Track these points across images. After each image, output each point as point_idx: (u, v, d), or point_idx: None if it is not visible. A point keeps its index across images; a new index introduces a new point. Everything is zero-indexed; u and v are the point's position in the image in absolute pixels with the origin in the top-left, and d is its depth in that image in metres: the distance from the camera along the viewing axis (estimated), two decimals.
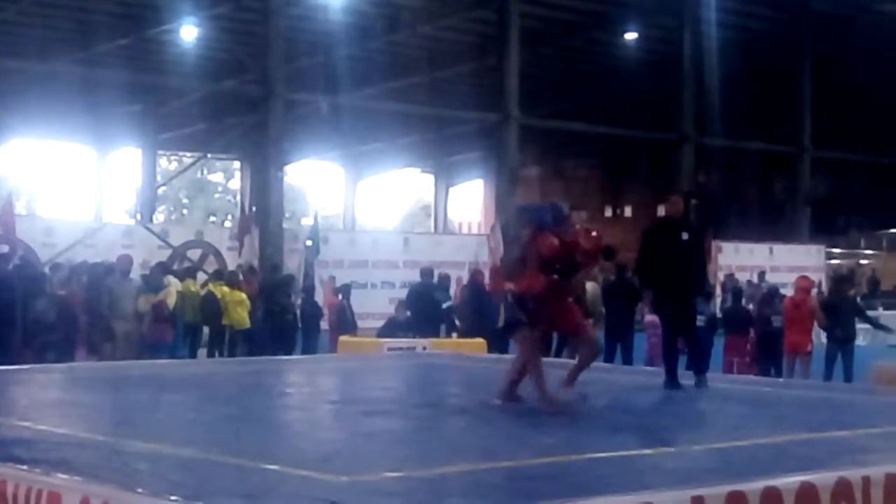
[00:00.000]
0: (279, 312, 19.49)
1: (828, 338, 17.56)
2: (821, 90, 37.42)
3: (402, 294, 21.26)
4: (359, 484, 5.86)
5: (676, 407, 9.78)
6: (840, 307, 17.79)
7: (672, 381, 10.80)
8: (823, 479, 5.79)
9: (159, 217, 53.73)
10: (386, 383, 12.20)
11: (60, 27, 33.97)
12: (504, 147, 31.81)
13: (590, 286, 18.98)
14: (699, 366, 11.32)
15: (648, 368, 15.43)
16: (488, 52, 33.72)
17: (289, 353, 18.60)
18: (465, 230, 54.19)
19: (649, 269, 11.02)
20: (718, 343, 18.40)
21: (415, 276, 22.02)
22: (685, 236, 10.91)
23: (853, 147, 39.66)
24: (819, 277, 31.17)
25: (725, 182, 43.60)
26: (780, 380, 16.17)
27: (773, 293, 19.68)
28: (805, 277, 19.35)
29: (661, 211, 11.52)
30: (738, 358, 18.17)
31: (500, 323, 9.96)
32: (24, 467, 5.94)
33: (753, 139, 37.85)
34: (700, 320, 18.11)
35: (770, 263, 30.74)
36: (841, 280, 19.86)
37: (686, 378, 10.98)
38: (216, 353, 19.03)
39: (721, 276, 27.90)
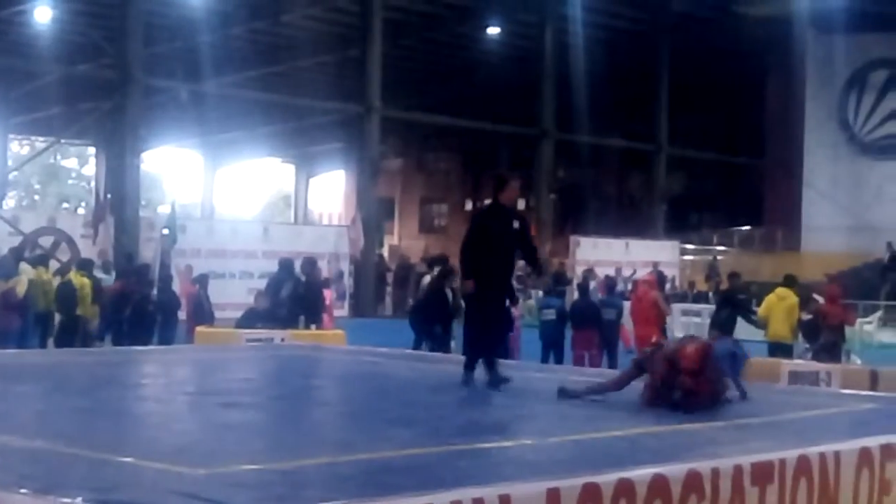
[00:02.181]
0: (139, 301, 19.13)
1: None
2: (678, 90, 38.32)
3: (261, 284, 21.07)
4: (216, 476, 5.79)
5: (536, 401, 9.88)
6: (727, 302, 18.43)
7: (470, 375, 10.30)
8: (674, 470, 5.92)
9: (10, 203, 52.34)
10: (244, 375, 12.07)
11: None
12: (366, 138, 31.81)
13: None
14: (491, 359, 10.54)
15: (511, 362, 15.54)
16: (351, 42, 33.68)
17: (146, 343, 18.26)
18: (325, 221, 54.02)
19: (475, 255, 10.28)
20: (569, 336, 18.75)
21: (274, 267, 21.84)
22: (516, 224, 10.37)
23: (708, 146, 40.68)
24: (673, 272, 31.92)
25: (584, 177, 44.29)
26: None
27: (610, 287, 20.31)
28: (651, 273, 19.91)
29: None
30: (588, 351, 18.50)
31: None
32: None
33: (613, 136, 38.53)
34: (550, 314, 18.61)
35: (627, 258, 31.33)
36: (734, 275, 20.18)
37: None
38: (68, 344, 18.57)
39: (579, 271, 28.32)
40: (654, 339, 12.11)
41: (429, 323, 18.14)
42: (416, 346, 17.68)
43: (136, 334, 18.62)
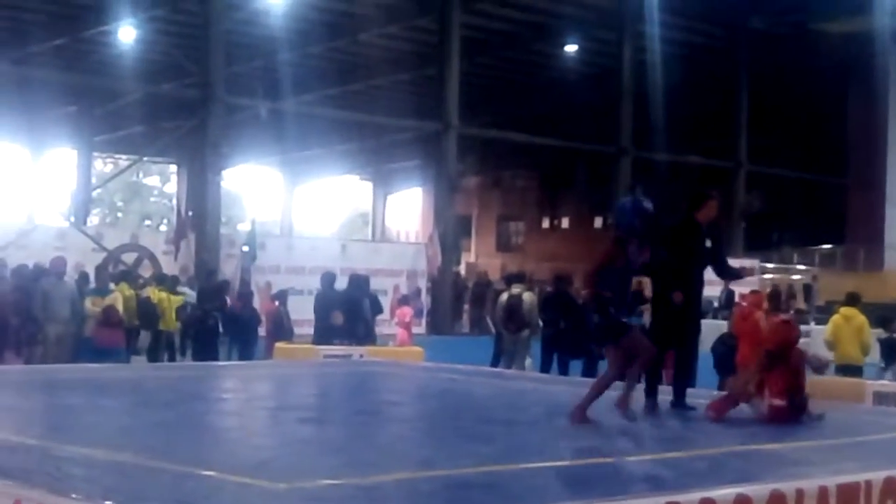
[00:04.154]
0: (202, 318, 19.33)
1: None
2: (757, 106, 37.93)
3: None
4: (296, 491, 5.83)
5: (613, 418, 9.81)
6: None
7: (653, 402, 9.78)
8: (758, 491, 5.85)
9: (94, 220, 53.19)
10: (322, 390, 12.15)
11: None
12: (443, 156, 31.86)
13: (527, 296, 19.02)
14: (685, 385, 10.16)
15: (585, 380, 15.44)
16: (429, 60, 33.78)
17: (211, 358, 18.43)
18: (402, 238, 54.19)
19: (677, 272, 9.81)
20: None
21: None
22: (708, 244, 10.14)
23: (787, 163, 40.20)
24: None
25: (662, 195, 43.95)
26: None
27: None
28: (755, 292, 19.50)
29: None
30: (666, 370, 18.22)
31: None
32: None
33: (691, 153, 38.24)
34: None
35: (706, 277, 31.00)
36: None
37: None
38: (155, 358, 18.84)
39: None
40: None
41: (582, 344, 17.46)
42: (547, 369, 17.13)
43: (200, 349, 18.84)
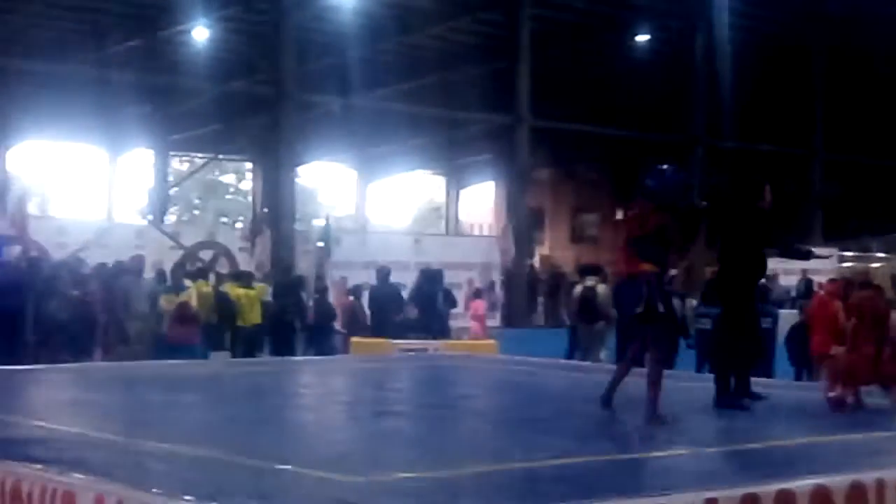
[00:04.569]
0: (278, 313, 19.51)
1: None
2: (832, 93, 37.37)
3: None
4: (373, 484, 5.87)
5: (692, 409, 9.75)
6: None
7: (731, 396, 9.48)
8: (837, 482, 5.79)
9: (171, 218, 53.77)
10: (398, 384, 12.22)
11: (73, 28, 34.06)
12: (515, 149, 31.81)
13: (601, 288, 18.95)
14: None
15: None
16: (499, 54, 33.73)
17: (289, 354, 18.59)
18: (475, 232, 54.14)
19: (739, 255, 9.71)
20: None
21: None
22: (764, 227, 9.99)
23: (865, 150, 39.56)
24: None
25: (736, 184, 43.48)
26: (801, 383, 15.96)
27: (764, 295, 19.43)
28: (833, 281, 19.17)
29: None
30: None
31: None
32: (39, 467, 5.96)
33: (765, 141, 37.77)
34: (705, 323, 17.82)
35: (782, 266, 30.64)
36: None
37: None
38: (234, 354, 19.03)
39: None
40: (832, 352, 11.67)
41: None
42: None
43: (278, 345, 19.02)
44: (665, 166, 9.28)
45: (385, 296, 20.31)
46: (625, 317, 8.48)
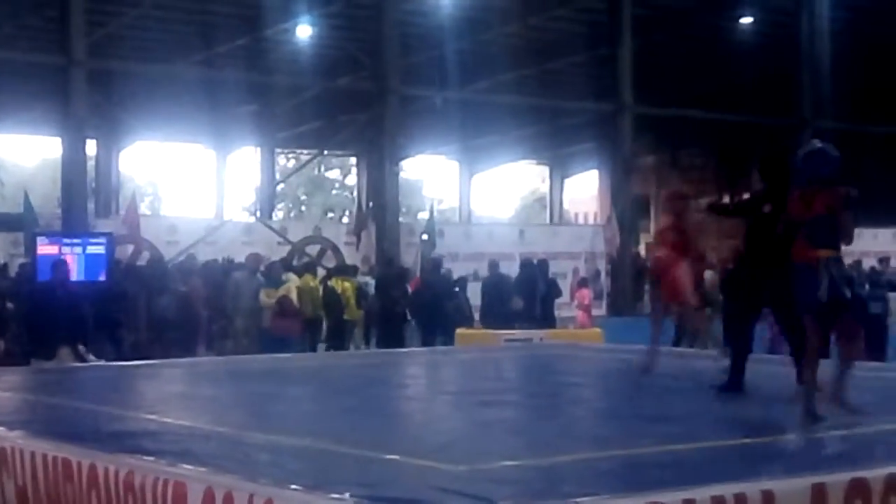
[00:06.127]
0: (389, 306, 19.68)
1: None
2: None
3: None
4: (476, 473, 5.91)
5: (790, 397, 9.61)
6: None
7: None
8: None
9: (278, 214, 54.51)
10: (502, 374, 12.25)
11: (180, 30, 34.64)
12: (618, 137, 31.60)
13: (708, 274, 18.74)
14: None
15: (771, 357, 15.14)
16: (601, 41, 33.51)
17: (398, 345, 18.74)
18: (580, 221, 53.94)
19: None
20: None
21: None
22: None
23: None
24: None
25: (845, 166, 42.64)
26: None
27: (875, 279, 19.13)
28: None
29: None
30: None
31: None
32: (151, 458, 6.12)
33: (875, 121, 36.97)
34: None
35: (894, 248, 30.04)
36: None
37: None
38: (337, 347, 19.26)
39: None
40: None
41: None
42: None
43: (386, 337, 19.18)
44: (819, 145, 8.62)
45: (495, 287, 20.40)
46: (802, 306, 7.77)
